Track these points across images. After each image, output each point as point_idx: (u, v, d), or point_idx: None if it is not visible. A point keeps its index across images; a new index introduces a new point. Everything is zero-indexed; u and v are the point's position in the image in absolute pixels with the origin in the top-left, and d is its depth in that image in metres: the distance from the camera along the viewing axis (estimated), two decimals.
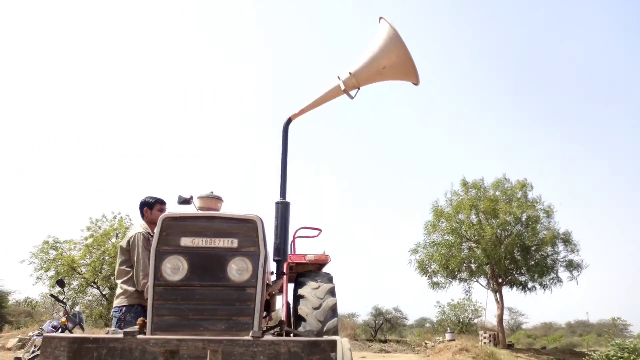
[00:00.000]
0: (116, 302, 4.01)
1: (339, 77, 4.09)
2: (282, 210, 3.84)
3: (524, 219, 18.76)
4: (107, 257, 22.43)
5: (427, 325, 53.23)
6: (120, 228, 22.85)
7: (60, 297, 6.87)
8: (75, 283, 23.03)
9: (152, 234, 4.32)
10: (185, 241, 2.91)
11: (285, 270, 4.87)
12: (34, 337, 6.61)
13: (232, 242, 2.95)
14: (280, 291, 5.07)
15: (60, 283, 6.59)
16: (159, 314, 2.80)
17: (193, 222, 2.95)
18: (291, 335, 3.83)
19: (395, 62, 3.95)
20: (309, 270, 5.13)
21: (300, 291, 4.70)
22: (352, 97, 4.08)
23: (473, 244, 19.11)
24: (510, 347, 19.81)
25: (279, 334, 4.50)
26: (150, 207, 4.39)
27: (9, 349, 14.09)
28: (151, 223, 4.41)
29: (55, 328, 6.43)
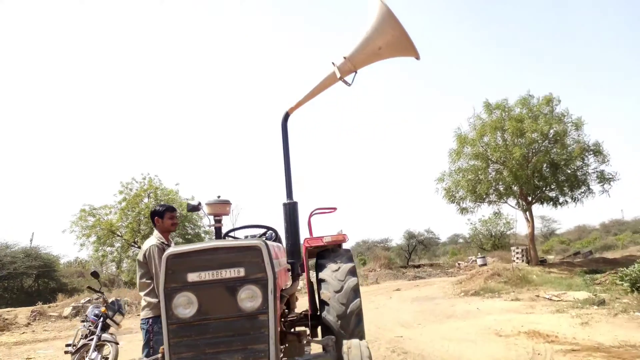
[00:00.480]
0: (143, 314, 4.12)
1: (333, 64, 3.82)
2: (290, 211, 3.76)
3: (551, 135, 18.15)
4: (142, 218, 23.15)
5: (460, 241, 54.13)
6: (150, 188, 23.40)
7: (97, 288, 7.15)
8: (117, 245, 24.07)
9: (166, 243, 4.34)
10: (192, 276, 2.89)
11: (304, 260, 4.88)
12: (80, 328, 6.97)
13: (239, 272, 2.91)
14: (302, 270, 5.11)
15: (95, 274, 6.83)
16: (176, 352, 2.85)
17: (197, 256, 2.92)
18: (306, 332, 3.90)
19: (391, 41, 3.64)
20: (328, 249, 5.11)
21: (321, 275, 4.71)
22: (349, 84, 3.83)
23: (500, 166, 18.76)
24: (542, 262, 20.00)
25: (299, 329, 4.58)
26: (160, 216, 4.38)
27: (65, 317, 15.09)
28: (164, 232, 4.41)
29: (97, 316, 6.75)
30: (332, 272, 4.72)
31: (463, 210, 20.57)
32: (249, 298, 2.90)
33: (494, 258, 27.94)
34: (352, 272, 4.73)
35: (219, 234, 4.36)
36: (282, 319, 4.25)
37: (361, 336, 4.46)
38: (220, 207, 4.24)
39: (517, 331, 7.76)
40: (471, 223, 34.50)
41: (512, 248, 26.05)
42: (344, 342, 3.34)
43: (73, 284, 28.36)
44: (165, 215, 4.37)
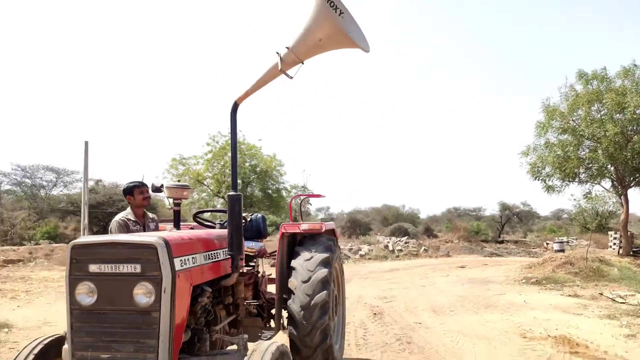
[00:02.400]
0: None
1: (278, 53, 3.63)
2: (231, 204, 3.74)
3: None
4: (227, 170, 24.52)
5: (565, 216, 50.19)
6: None
7: None
8: (204, 194, 25.83)
9: (133, 219, 4.58)
10: (93, 267, 3.05)
11: (278, 245, 4.87)
12: None
13: (135, 268, 3.02)
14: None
15: None
16: (78, 335, 3.07)
17: (99, 248, 3.06)
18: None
19: (330, 34, 3.36)
20: (307, 237, 5.05)
21: (293, 262, 4.73)
22: (291, 77, 3.63)
23: (594, 144, 16.77)
24: (636, 253, 17.89)
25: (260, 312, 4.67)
26: (130, 193, 4.60)
27: None
28: (138, 207, 4.65)
29: None
30: (304, 261, 4.70)
31: (549, 189, 18.95)
32: (143, 294, 3.01)
33: (588, 241, 25.62)
34: (325, 263, 4.66)
35: (177, 217, 4.51)
36: (236, 305, 4.34)
37: (324, 329, 4.43)
38: (179, 192, 4.37)
39: (547, 334, 7.15)
40: (575, 199, 31.75)
41: (610, 233, 23.83)
42: (250, 344, 3.35)
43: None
44: (135, 192, 4.59)
